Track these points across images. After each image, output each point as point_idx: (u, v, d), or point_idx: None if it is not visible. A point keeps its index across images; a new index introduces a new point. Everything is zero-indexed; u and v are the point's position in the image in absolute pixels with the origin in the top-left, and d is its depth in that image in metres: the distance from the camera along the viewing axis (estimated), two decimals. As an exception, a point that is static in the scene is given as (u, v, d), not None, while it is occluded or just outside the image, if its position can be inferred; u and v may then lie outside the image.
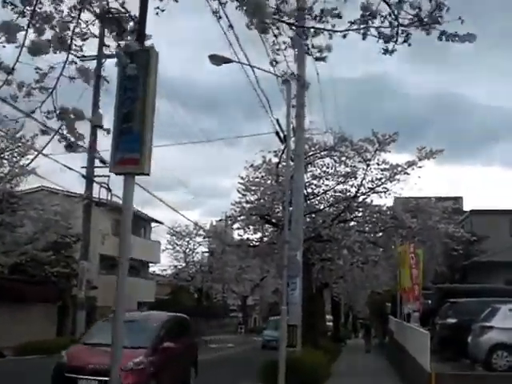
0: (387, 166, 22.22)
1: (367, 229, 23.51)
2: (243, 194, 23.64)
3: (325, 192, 23.47)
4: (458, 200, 43.33)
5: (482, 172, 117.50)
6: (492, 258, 34.96)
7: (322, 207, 23.51)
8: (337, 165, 23.37)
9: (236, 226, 24.93)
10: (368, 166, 22.13)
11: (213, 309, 61.13)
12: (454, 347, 16.67)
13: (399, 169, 22.26)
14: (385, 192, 22.35)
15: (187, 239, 44.97)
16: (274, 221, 23.44)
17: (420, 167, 22.37)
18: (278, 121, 16.53)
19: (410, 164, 22.18)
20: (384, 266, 25.31)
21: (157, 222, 50.97)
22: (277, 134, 16.80)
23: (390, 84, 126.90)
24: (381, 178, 22.64)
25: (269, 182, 23.85)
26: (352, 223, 23.80)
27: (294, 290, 17.57)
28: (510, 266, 34.09)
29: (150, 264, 53.31)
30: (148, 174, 6.15)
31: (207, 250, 50.68)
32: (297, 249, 16.44)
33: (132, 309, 44.02)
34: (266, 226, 24.50)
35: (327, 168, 23.61)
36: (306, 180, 23.37)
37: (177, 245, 46.50)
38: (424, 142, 23.44)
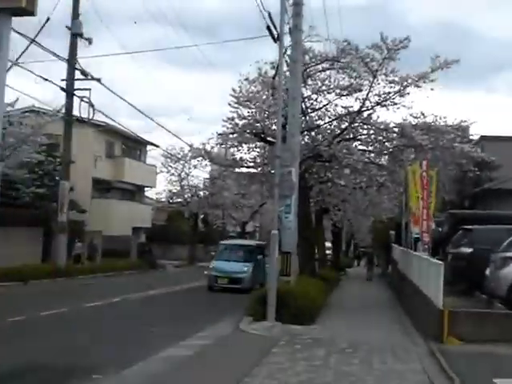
0: (396, 78, 19.69)
1: (371, 148, 21.19)
2: (235, 108, 21.25)
3: (325, 106, 21.01)
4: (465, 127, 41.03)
5: (486, 100, 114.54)
6: (504, 185, 32.94)
7: (322, 123, 21.12)
8: (339, 77, 20.84)
9: (228, 144, 22.59)
10: (375, 77, 19.57)
11: (211, 235, 59.67)
12: (468, 280, 14.72)
13: (409, 81, 19.72)
14: (393, 105, 19.91)
15: (182, 162, 42.87)
16: (269, 139, 21.13)
17: (432, 81, 19.85)
18: (269, 14, 14.07)
19: (422, 76, 19.62)
20: (390, 190, 23.13)
21: (152, 144, 48.76)
22: (268, 29, 14.34)
23: (393, 13, 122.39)
24: (389, 93, 20.17)
25: (264, 97, 21.40)
26: (355, 143, 21.43)
27: (289, 213, 15.61)
28: (523, 193, 32.08)
29: (146, 189, 51.58)
30: (32, 13, 3.96)
31: (205, 174, 48.77)
32: (291, 165, 14.28)
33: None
34: (261, 143, 22.20)
35: (329, 82, 21.13)
36: (306, 95, 21.01)
37: (171, 167, 44.46)
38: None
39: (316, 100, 21.24)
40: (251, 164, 23.52)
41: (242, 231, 59.98)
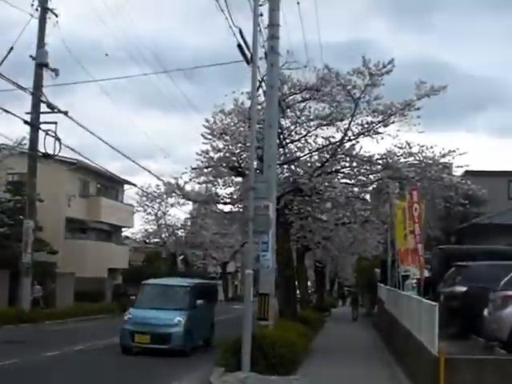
0: (380, 107, 18.57)
1: (354, 181, 19.94)
2: (209, 139, 20.03)
3: (304, 137, 19.76)
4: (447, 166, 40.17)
5: (467, 139, 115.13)
6: (492, 220, 31.84)
7: (301, 155, 19.87)
8: (320, 106, 19.69)
9: (202, 179, 21.22)
10: (357, 105, 18.46)
11: (191, 276, 57.91)
12: (464, 322, 13.31)
13: (393, 109, 18.61)
14: (377, 134, 18.74)
15: (159, 200, 41.31)
16: (247, 172, 19.85)
17: (418, 109, 18.76)
18: (240, 31, 12.86)
19: (407, 104, 18.55)
20: (375, 225, 21.85)
21: (130, 183, 47.42)
22: (239, 48, 13.11)
23: (374, 51, 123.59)
24: (372, 122, 19.03)
25: (241, 128, 20.22)
26: (338, 176, 20.20)
27: (266, 250, 14.32)
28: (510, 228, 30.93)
29: (123, 229, 50.06)
30: None
31: (182, 213, 47.27)
32: (268, 199, 12.96)
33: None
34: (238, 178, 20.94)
35: (309, 112, 19.98)
36: (285, 126, 19.89)
37: (147, 206, 42.88)
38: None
39: (295, 131, 20.09)
40: (228, 200, 22.21)
41: (223, 271, 58.50)
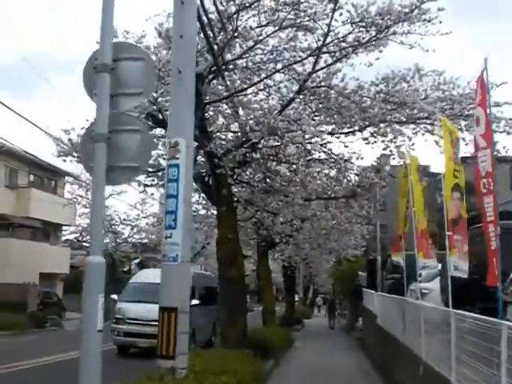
0: (372, 9, 11.58)
1: (331, 128, 12.91)
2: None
3: (252, 48, 12.30)
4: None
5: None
6: None
7: (246, 87, 12.58)
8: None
9: None
10: (335, 9, 11.45)
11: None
12: None
13: (392, 18, 11.69)
14: (371, 48, 11.67)
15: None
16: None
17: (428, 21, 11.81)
18: None
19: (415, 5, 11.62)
20: (364, 203, 15.00)
21: (72, 176, 39.62)
22: None
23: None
24: (358, 40, 12.02)
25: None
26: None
27: (173, 228, 7.73)
28: None
29: (65, 227, 42.85)
30: None
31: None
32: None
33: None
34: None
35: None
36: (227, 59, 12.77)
37: (82, 197, 35.92)
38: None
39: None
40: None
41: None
